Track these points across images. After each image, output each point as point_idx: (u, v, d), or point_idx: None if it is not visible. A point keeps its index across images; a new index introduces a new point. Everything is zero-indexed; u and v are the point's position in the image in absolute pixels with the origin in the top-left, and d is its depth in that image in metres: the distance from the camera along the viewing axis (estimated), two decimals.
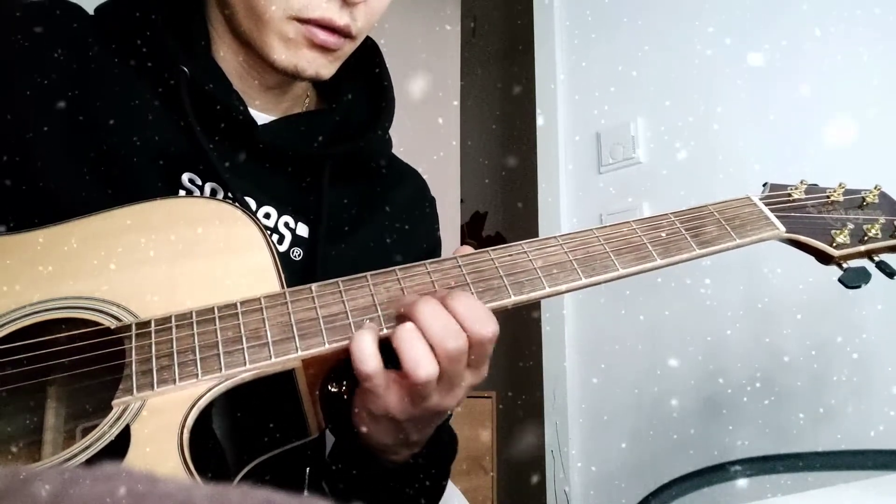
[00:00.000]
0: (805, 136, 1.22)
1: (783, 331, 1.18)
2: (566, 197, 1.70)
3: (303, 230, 0.69)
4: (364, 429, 0.55)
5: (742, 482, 0.41)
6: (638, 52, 1.56)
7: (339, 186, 0.72)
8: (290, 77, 0.67)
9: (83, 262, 0.53)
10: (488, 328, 0.50)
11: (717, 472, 0.40)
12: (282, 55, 0.63)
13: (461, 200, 2.69)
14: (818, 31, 1.24)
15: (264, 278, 0.54)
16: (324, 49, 0.64)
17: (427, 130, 2.31)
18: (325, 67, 0.66)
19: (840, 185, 0.70)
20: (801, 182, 0.70)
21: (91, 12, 0.69)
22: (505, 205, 3.06)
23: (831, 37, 1.22)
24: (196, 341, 0.50)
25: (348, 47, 0.67)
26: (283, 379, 0.50)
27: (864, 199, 0.70)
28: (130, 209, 0.56)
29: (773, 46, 1.30)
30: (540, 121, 1.78)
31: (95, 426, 0.46)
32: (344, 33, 0.64)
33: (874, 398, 1.06)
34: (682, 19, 1.47)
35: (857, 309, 1.10)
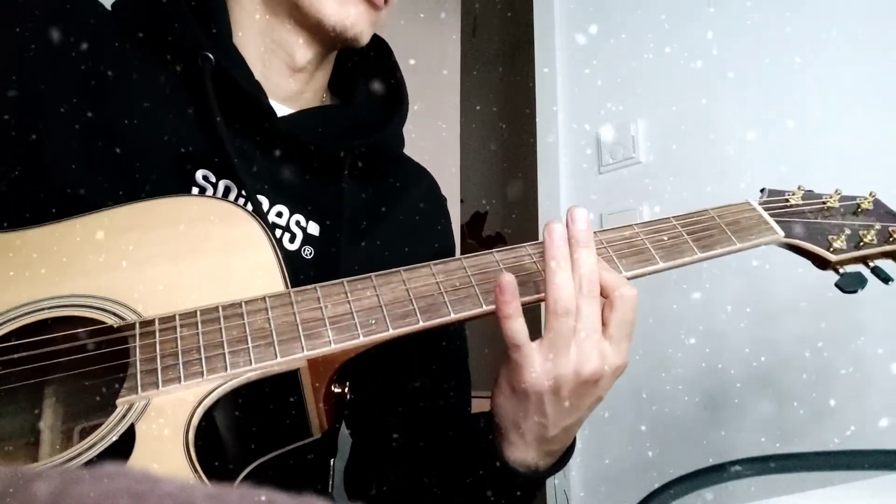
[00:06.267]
0: (805, 137, 1.22)
1: (784, 329, 1.18)
2: (566, 197, 1.70)
3: (314, 229, 0.69)
4: (505, 406, 0.55)
5: (742, 482, 0.41)
6: (638, 53, 1.56)
7: (356, 184, 0.72)
8: (332, 37, 0.68)
9: (86, 261, 0.53)
10: (629, 288, 0.54)
11: (717, 472, 0.40)
12: (332, 9, 0.66)
13: (461, 200, 2.68)
14: (820, 34, 1.24)
15: (269, 277, 0.54)
16: (371, 5, 0.67)
17: (427, 130, 2.31)
18: (366, 28, 0.69)
19: (836, 191, 0.70)
20: (799, 188, 0.70)
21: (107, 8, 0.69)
22: (505, 205, 3.06)
23: (833, 39, 1.21)
24: (201, 341, 0.50)
25: (385, 13, 0.70)
26: (288, 379, 0.50)
27: (858, 205, 0.70)
28: (134, 207, 0.56)
29: (773, 47, 1.30)
30: (540, 121, 1.78)
31: (95, 427, 0.46)
32: None
33: (875, 397, 1.06)
34: (682, 20, 1.47)
35: (858, 309, 1.10)
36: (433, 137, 2.37)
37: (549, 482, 1.56)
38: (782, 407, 1.17)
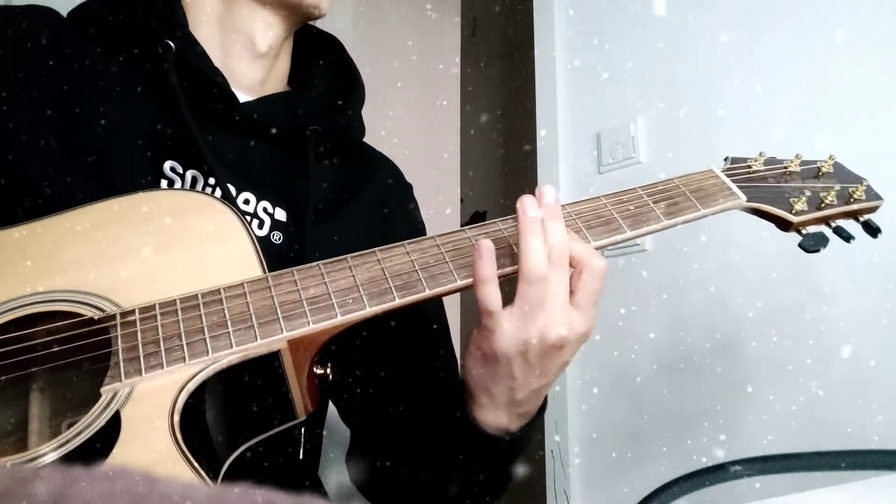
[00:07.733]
0: (805, 137, 1.22)
1: (786, 329, 1.18)
2: (566, 197, 1.69)
3: (281, 214, 0.70)
4: (476, 370, 0.57)
5: (742, 482, 0.41)
6: (638, 52, 1.56)
7: (321, 169, 0.74)
8: (292, 9, 0.69)
9: (65, 257, 0.54)
10: (598, 258, 0.55)
11: (717, 472, 0.40)
12: None
13: (461, 200, 2.68)
14: (821, 33, 1.23)
15: (246, 264, 0.55)
16: None
17: (427, 130, 2.31)
18: None
19: (797, 156, 0.71)
20: (760, 154, 0.71)
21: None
22: (505, 205, 3.06)
23: (834, 40, 1.21)
24: (181, 327, 0.50)
25: None
26: (270, 361, 0.51)
27: (819, 169, 0.71)
28: (110, 203, 0.57)
29: (774, 48, 1.30)
30: (540, 121, 1.78)
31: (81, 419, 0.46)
32: None
33: (875, 397, 1.06)
34: (682, 19, 1.47)
35: (863, 313, 1.10)
36: (433, 137, 2.37)
37: (550, 481, 1.56)
38: (784, 406, 1.16)
